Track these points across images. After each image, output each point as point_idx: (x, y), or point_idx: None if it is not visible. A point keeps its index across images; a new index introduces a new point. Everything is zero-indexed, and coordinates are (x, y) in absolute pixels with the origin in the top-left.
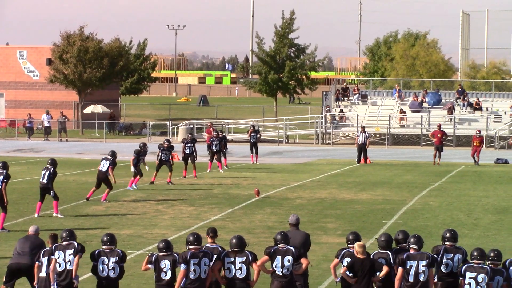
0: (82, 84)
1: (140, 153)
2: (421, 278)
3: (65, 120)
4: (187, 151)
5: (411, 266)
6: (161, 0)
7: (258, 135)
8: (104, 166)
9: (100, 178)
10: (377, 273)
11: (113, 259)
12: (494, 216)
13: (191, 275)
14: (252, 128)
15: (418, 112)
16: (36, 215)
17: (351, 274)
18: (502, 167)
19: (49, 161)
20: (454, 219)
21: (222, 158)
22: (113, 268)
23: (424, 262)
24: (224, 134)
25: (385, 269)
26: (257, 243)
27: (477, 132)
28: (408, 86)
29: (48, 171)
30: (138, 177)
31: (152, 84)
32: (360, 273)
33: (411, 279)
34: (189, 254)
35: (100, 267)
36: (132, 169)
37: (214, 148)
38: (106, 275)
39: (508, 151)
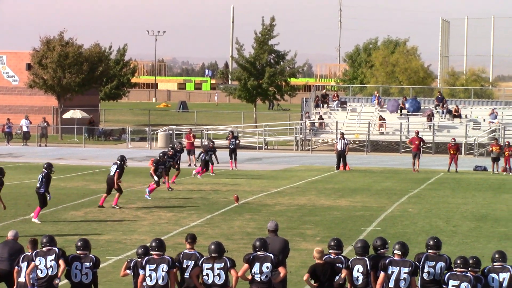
0: (62, 90)
1: (159, 163)
2: (402, 285)
3: (46, 126)
4: (207, 158)
5: (392, 272)
6: (141, 6)
7: (237, 141)
8: (112, 170)
9: (109, 183)
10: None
11: (86, 264)
12: (472, 223)
13: (148, 281)
14: (231, 134)
15: (397, 113)
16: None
17: (312, 281)
18: (481, 174)
19: (44, 165)
20: (433, 226)
21: (210, 165)
22: (86, 274)
23: (406, 270)
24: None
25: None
26: (236, 249)
27: (452, 140)
28: (388, 93)
29: (41, 175)
30: (155, 186)
31: (132, 90)
32: (322, 278)
33: (391, 285)
34: (145, 260)
35: (74, 272)
36: (155, 178)
37: (206, 157)
38: (79, 280)
39: (487, 158)
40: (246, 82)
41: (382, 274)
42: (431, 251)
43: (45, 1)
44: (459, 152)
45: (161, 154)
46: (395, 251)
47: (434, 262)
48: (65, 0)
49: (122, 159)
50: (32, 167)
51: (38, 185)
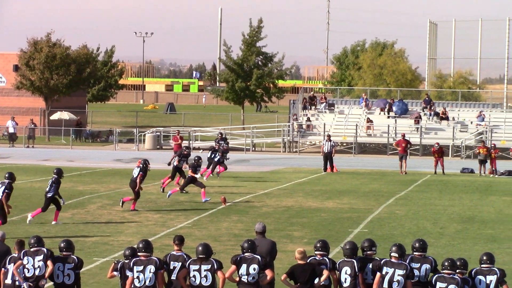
0: (49, 91)
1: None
2: (395, 286)
3: (33, 127)
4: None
5: (386, 273)
6: (129, 7)
7: (226, 143)
8: (135, 173)
9: (130, 187)
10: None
11: (68, 266)
12: (459, 225)
13: (136, 283)
14: (220, 135)
15: (385, 112)
16: (52, 222)
17: (292, 282)
18: (468, 176)
19: (54, 170)
20: (420, 228)
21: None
22: (68, 275)
23: (401, 272)
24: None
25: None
26: (223, 250)
27: (436, 145)
28: (375, 95)
29: (51, 180)
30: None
31: (119, 91)
32: (301, 279)
33: (385, 286)
34: (132, 262)
35: (56, 273)
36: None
37: (221, 159)
38: (61, 281)
39: (474, 160)
40: (233, 84)
41: (378, 274)
42: (416, 253)
43: (33, 2)
44: (444, 155)
45: (196, 158)
46: (392, 253)
47: (419, 264)
48: (53, 1)
49: (145, 162)
50: (19, 168)
51: (47, 189)
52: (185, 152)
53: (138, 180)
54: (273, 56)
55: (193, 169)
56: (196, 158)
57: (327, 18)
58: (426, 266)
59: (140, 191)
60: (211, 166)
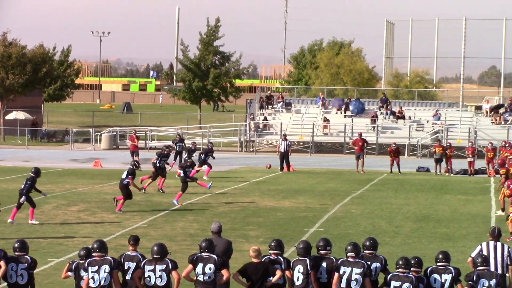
0: (5, 91)
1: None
2: (353, 285)
3: None
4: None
5: (344, 272)
6: (86, 6)
7: (184, 144)
8: (123, 175)
9: (120, 188)
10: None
11: (22, 266)
12: (415, 224)
13: (91, 283)
14: (178, 137)
15: (342, 111)
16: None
17: (244, 280)
18: (424, 175)
19: (32, 170)
20: (375, 227)
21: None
22: (21, 275)
23: (358, 270)
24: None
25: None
26: (179, 250)
27: (394, 145)
28: (332, 95)
29: (26, 178)
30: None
31: (76, 91)
32: (254, 277)
33: (343, 285)
34: (87, 262)
35: (9, 273)
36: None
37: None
38: (14, 281)
39: (430, 159)
40: (190, 83)
41: (336, 274)
42: (366, 251)
43: None
44: (400, 154)
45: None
46: (348, 253)
47: (370, 262)
48: (8, 0)
49: (135, 163)
50: None
51: (22, 187)
52: (165, 152)
53: (132, 185)
54: (231, 55)
55: (183, 170)
56: (186, 158)
57: (285, 18)
58: (376, 264)
59: (131, 192)
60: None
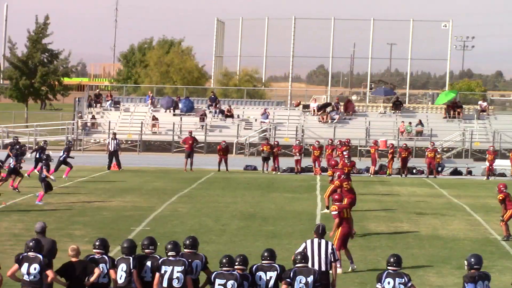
0: None
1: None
2: (175, 284)
3: None
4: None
5: (165, 271)
6: None
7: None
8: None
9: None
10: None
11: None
12: (241, 222)
13: None
14: (16, 139)
15: (172, 110)
16: None
17: (63, 279)
18: (251, 173)
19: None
20: (202, 225)
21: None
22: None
23: (179, 268)
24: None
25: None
26: (2, 251)
27: (223, 143)
28: (162, 93)
29: None
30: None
31: None
32: (73, 276)
33: (165, 285)
34: None
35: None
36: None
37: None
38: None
39: (258, 157)
40: (18, 81)
41: (157, 274)
42: (186, 250)
43: None
44: (228, 153)
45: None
46: (169, 252)
47: (190, 261)
48: None
49: (48, 157)
50: None
51: None
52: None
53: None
54: (59, 53)
55: (47, 167)
56: (46, 156)
57: (115, 16)
58: (197, 262)
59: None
60: (55, 166)
